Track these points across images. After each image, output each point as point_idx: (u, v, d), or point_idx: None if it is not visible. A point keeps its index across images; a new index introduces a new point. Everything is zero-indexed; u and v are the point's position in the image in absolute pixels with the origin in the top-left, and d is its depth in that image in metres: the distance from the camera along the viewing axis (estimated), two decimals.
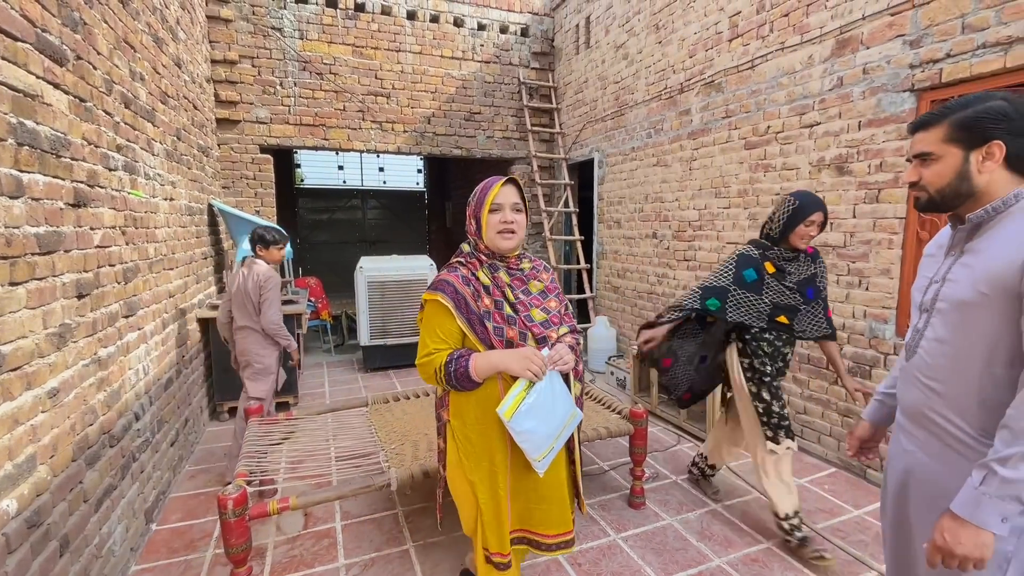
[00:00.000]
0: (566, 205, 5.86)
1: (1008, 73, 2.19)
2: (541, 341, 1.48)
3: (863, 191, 2.78)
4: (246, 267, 2.76)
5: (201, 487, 2.80)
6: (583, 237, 5.83)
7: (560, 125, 6.09)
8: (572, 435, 1.59)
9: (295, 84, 5.12)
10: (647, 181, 4.62)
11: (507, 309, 1.47)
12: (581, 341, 1.62)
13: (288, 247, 4.41)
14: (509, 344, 1.45)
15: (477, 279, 1.48)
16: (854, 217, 2.84)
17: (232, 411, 3.82)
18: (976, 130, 1.04)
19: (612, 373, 4.53)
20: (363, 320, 4.86)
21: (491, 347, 1.44)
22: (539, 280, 1.57)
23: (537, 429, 1.41)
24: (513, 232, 1.47)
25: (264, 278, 2.70)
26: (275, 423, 2.64)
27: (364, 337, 4.88)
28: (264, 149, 5.14)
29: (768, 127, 3.35)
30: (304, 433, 2.62)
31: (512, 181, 1.49)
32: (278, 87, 5.06)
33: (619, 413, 2.69)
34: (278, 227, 3.13)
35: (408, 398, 3.07)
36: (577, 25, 5.60)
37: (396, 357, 5.03)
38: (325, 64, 5.20)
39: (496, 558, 1.54)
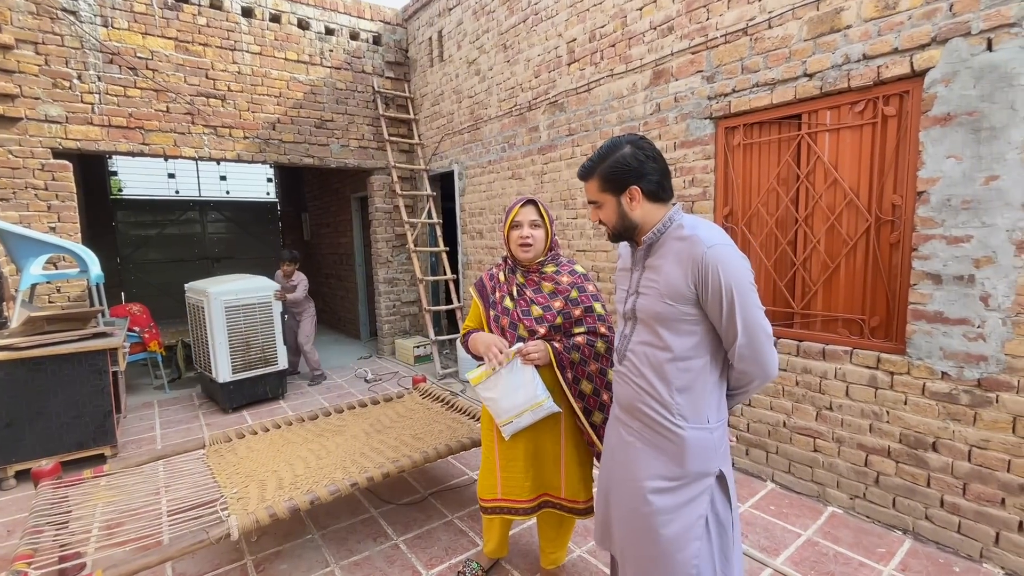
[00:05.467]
0: (429, 216, 5.83)
1: (775, 108, 2.71)
2: (531, 332, 1.77)
3: (681, 203, 3.21)
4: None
5: None
6: (448, 248, 5.86)
7: (419, 136, 6.05)
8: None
9: (99, 79, 4.36)
10: (504, 193, 4.80)
11: (507, 303, 1.82)
12: (598, 343, 1.79)
13: (97, 270, 3.74)
14: (502, 330, 1.81)
15: (497, 278, 1.89)
16: None
17: (20, 475, 3.09)
18: (616, 181, 1.29)
19: None
20: (220, 352, 4.28)
21: (491, 330, 1.86)
22: (555, 282, 1.81)
23: (499, 401, 1.73)
24: (530, 245, 1.77)
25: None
26: (78, 483, 2.20)
27: (224, 373, 4.26)
28: (59, 154, 4.28)
29: None
30: (123, 489, 2.22)
31: (531, 202, 1.79)
32: (75, 80, 4.26)
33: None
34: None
35: (255, 433, 2.77)
36: (430, 38, 5.63)
37: (250, 392, 4.52)
38: (140, 58, 4.51)
39: (482, 502, 1.93)
